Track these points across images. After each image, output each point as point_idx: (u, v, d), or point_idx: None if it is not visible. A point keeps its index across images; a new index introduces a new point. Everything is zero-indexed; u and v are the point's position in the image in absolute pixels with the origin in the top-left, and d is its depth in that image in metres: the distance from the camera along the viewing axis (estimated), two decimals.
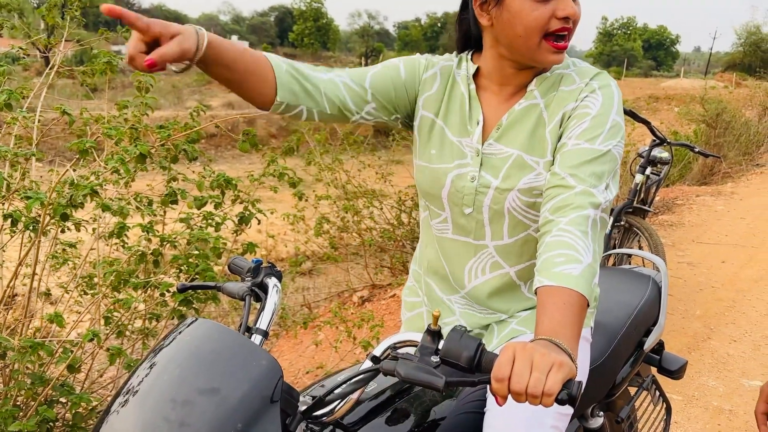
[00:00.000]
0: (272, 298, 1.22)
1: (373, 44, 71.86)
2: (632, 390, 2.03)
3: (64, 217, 2.01)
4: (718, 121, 10.52)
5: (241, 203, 2.66)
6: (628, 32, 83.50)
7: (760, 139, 11.38)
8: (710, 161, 9.46)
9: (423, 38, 79.19)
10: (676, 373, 2.07)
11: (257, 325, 1.18)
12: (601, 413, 1.78)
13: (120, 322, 2.35)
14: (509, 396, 0.94)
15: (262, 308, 1.21)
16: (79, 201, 1.90)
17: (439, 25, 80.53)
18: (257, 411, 0.95)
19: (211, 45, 1.14)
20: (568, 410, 1.38)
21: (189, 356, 1.01)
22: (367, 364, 1.09)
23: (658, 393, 2.15)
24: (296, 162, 4.87)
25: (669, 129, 11.14)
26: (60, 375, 2.06)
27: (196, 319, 1.09)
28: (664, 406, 2.20)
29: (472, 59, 1.43)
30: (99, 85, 3.00)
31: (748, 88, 17.71)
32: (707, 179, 9.64)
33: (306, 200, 4.42)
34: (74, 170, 2.22)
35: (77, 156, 2.24)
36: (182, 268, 2.37)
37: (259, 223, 2.72)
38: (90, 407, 2.23)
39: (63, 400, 2.12)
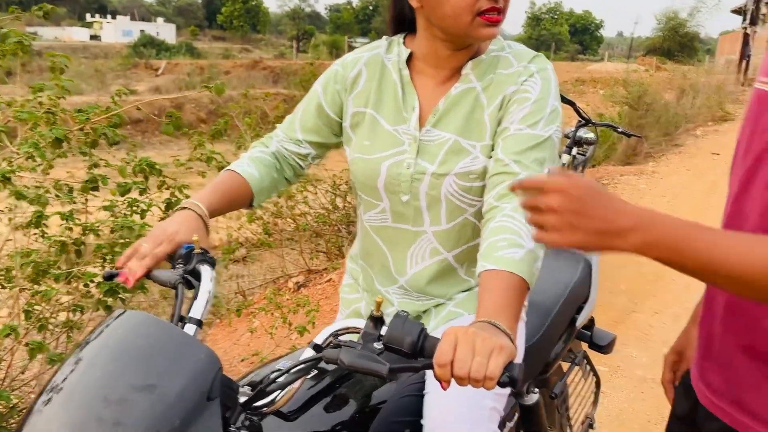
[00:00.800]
0: (206, 286, 1.16)
1: (304, 27, 70.84)
2: (565, 366, 2.09)
3: None
4: (640, 103, 10.94)
5: (167, 189, 2.58)
6: (555, 17, 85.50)
7: (678, 120, 11.88)
8: (633, 142, 9.81)
9: (355, 21, 78.76)
10: (605, 348, 2.14)
11: (190, 314, 1.12)
12: (536, 390, 1.82)
13: (41, 316, 2.25)
14: (452, 380, 0.95)
15: (195, 296, 1.15)
16: None
17: (370, 7, 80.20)
18: (196, 406, 0.91)
19: (211, 213, 1.32)
20: (506, 390, 1.41)
21: (120, 351, 0.95)
22: (309, 352, 1.07)
23: (588, 367, 2.22)
24: (226, 147, 4.76)
25: (595, 111, 11.50)
26: None
27: (125, 312, 1.03)
28: (594, 379, 2.28)
29: (404, 43, 1.41)
30: (13, 68, 2.84)
31: (667, 71, 18.50)
32: (630, 159, 10.02)
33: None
34: None
35: None
36: (107, 257, 2.28)
37: None
38: (11, 405, 2.13)
39: None
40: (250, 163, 1.44)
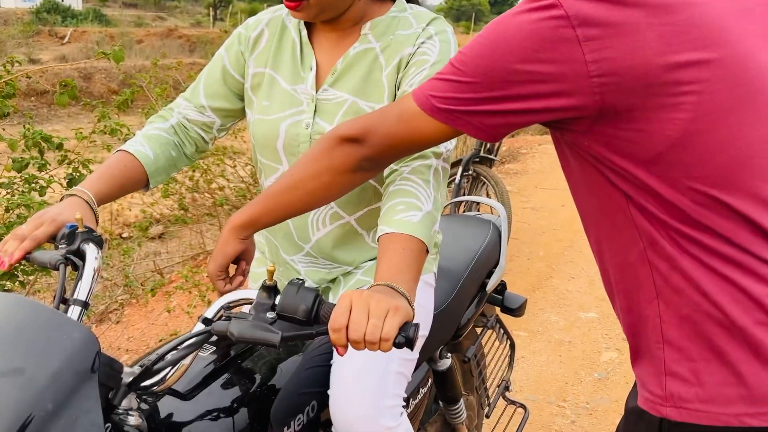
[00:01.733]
0: (90, 265, 1.10)
1: None
2: (478, 330, 2.12)
3: None
4: None
5: (69, 164, 2.42)
6: None
7: None
8: None
9: None
10: (517, 311, 2.18)
11: (75, 296, 1.06)
12: (449, 355, 1.84)
13: None
14: (349, 345, 0.94)
15: (80, 277, 1.09)
16: None
17: None
18: (71, 388, 0.86)
19: (100, 199, 1.26)
20: (413, 355, 1.41)
21: None
22: (199, 326, 1.02)
23: (502, 331, 2.26)
24: (137, 119, 4.54)
25: None
26: None
27: None
28: (509, 343, 2.33)
29: None
30: None
31: None
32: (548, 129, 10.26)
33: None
34: None
35: None
36: (1, 238, 2.12)
37: None
38: None
39: None
40: (143, 142, 1.38)
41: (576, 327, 3.60)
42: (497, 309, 2.18)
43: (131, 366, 1.09)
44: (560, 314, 3.75)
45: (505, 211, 2.23)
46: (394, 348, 0.93)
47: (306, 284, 0.98)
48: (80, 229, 1.14)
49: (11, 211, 2.14)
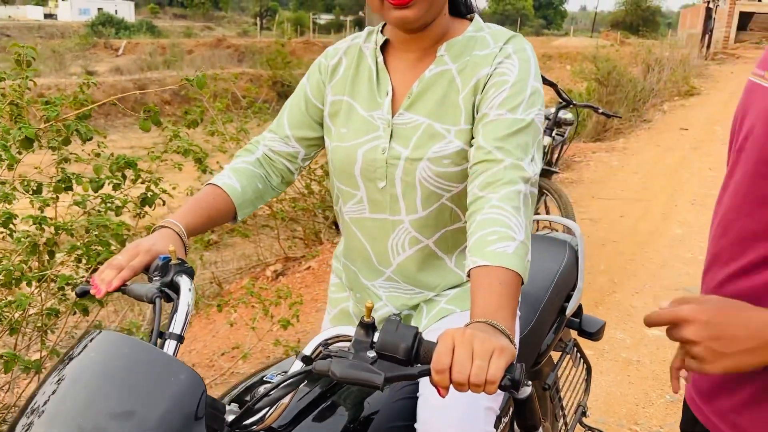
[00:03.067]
0: (185, 298, 1.10)
1: (267, 3, 69.59)
2: (556, 355, 2.06)
3: None
4: (609, 79, 10.97)
5: (142, 183, 2.46)
6: None
7: (645, 95, 11.97)
8: (603, 118, 9.86)
9: None
10: (595, 335, 2.12)
11: (171, 330, 1.06)
12: (529, 382, 1.80)
13: (12, 319, 2.14)
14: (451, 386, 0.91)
15: (175, 310, 1.09)
16: None
17: None
18: (179, 431, 0.86)
19: (189, 231, 1.29)
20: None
21: (95, 375, 0.89)
22: (298, 364, 1.02)
23: (579, 355, 2.20)
24: (196, 131, 4.61)
25: (564, 87, 11.50)
26: None
27: (100, 332, 0.97)
28: (585, 367, 2.26)
29: (382, 31, 1.39)
30: None
31: (632, 46, 18.61)
32: (601, 136, 10.07)
33: (210, 173, 4.20)
34: None
35: None
36: (82, 257, 2.17)
37: (164, 204, 2.53)
38: None
39: None
40: (231, 175, 1.40)
41: (643, 345, 3.49)
42: (574, 332, 2.13)
43: (222, 400, 1.09)
44: (626, 331, 3.65)
45: (579, 229, 2.17)
46: (498, 390, 0.89)
47: (403, 322, 0.96)
48: (173, 261, 1.15)
49: (90, 232, 2.18)
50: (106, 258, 2.12)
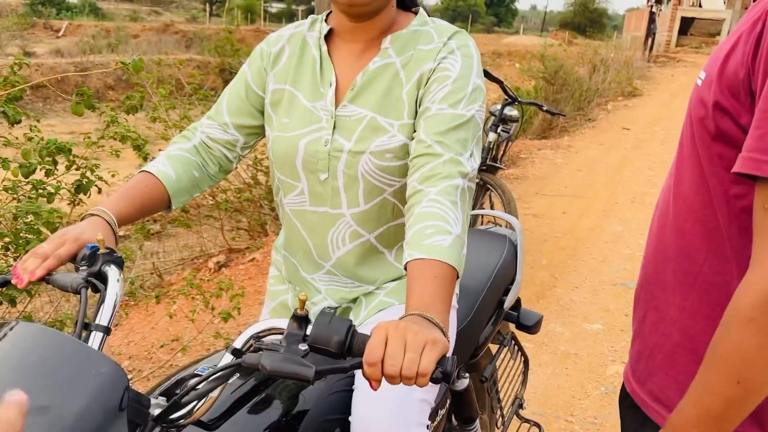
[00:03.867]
0: (113, 289, 1.06)
1: None
2: (494, 348, 2.09)
3: None
4: (556, 78, 11.17)
5: (77, 169, 2.37)
6: None
7: (590, 95, 12.24)
8: (549, 116, 10.04)
9: None
10: (533, 328, 2.16)
11: (97, 321, 1.02)
12: (466, 375, 1.81)
13: None
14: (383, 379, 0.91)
15: (102, 301, 1.05)
16: None
17: None
18: (99, 426, 0.83)
19: (120, 220, 1.24)
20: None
21: (9, 369, 0.85)
22: (228, 357, 0.99)
23: (516, 348, 2.24)
24: (139, 117, 4.48)
25: (512, 84, 11.65)
26: None
27: (17, 323, 0.92)
28: (522, 360, 2.30)
29: (326, 20, 1.38)
30: None
31: (579, 46, 19.01)
32: (546, 133, 10.26)
33: (151, 159, 4.08)
34: None
35: None
36: (10, 246, 2.07)
37: (99, 192, 2.45)
38: None
39: None
40: (166, 162, 1.37)
41: (581, 339, 3.58)
42: (512, 326, 2.16)
43: (151, 394, 1.06)
44: (565, 325, 3.73)
45: (519, 224, 2.20)
46: (430, 383, 0.89)
47: (339, 315, 0.96)
48: (102, 250, 1.11)
49: (19, 219, 2.09)
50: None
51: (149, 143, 3.25)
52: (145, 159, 3.09)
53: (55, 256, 1.12)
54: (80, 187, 2.29)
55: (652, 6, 21.28)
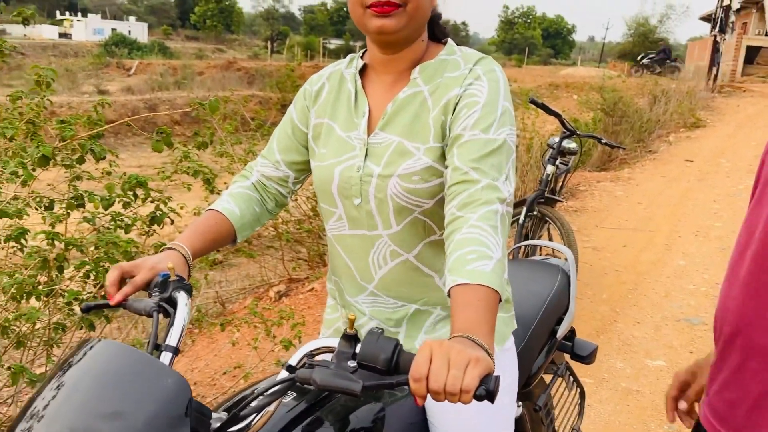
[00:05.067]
0: (181, 313, 1.16)
1: (278, 28, 70.45)
2: (548, 378, 2.08)
3: None
4: (615, 110, 11.04)
5: (152, 202, 2.51)
6: (528, 21, 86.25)
7: (651, 126, 12.03)
8: (608, 148, 9.91)
9: (329, 22, 78.58)
10: (587, 359, 2.14)
11: (167, 342, 1.12)
12: (520, 403, 1.82)
13: (20, 333, 2.18)
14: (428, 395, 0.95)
15: (172, 323, 1.15)
16: None
17: (345, 9, 79.90)
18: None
19: (194, 254, 1.36)
20: (508, 413, 1.40)
21: (90, 380, 0.95)
22: (283, 374, 1.07)
23: (572, 379, 2.22)
24: (206, 152, 4.68)
25: (570, 116, 11.58)
26: None
27: (99, 341, 1.02)
28: (578, 390, 2.28)
29: (363, 56, 1.45)
30: None
31: (638, 77, 18.74)
32: (606, 165, 10.11)
33: (218, 193, 4.25)
34: None
35: None
36: (90, 274, 2.21)
37: (172, 223, 2.58)
38: None
39: None
40: (230, 200, 1.48)
41: (643, 375, 3.50)
42: (567, 356, 2.15)
43: (216, 410, 1.13)
44: (626, 361, 3.65)
45: (572, 255, 2.20)
46: (474, 400, 0.93)
47: (384, 333, 1.01)
48: (172, 278, 1.21)
49: (99, 249, 2.23)
50: None
51: (216, 177, 3.40)
52: (213, 192, 3.23)
53: (131, 283, 1.24)
54: (154, 219, 2.42)
55: (716, 35, 20.83)
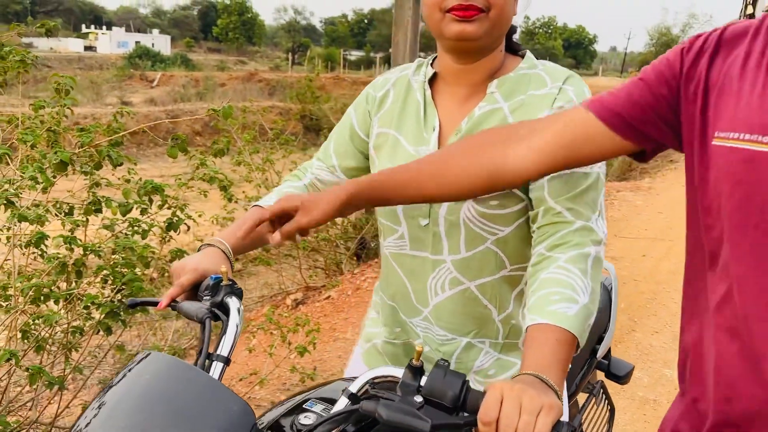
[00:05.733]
0: (234, 320, 1.10)
1: (299, 39, 71.22)
2: (582, 396, 2.03)
3: None
4: None
5: (168, 208, 2.55)
6: (549, 31, 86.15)
7: None
8: (629, 158, 9.84)
9: (350, 34, 79.16)
10: (623, 378, 2.05)
11: (218, 351, 1.06)
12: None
13: (39, 337, 2.22)
14: None
15: (224, 332, 1.09)
16: None
17: (365, 21, 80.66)
18: None
19: (235, 251, 1.28)
20: None
21: (149, 398, 0.91)
22: (344, 401, 1.01)
23: (604, 396, 2.15)
24: (224, 161, 4.74)
25: None
26: None
27: (149, 354, 0.98)
28: (609, 408, 2.22)
29: (432, 63, 1.35)
30: (9, 79, 2.82)
31: None
32: (626, 175, 10.05)
33: (236, 201, 4.30)
34: None
35: None
36: (108, 278, 2.25)
37: (188, 229, 2.62)
38: (8, 429, 2.09)
39: None
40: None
41: (661, 384, 3.46)
42: (600, 374, 2.09)
43: (259, 419, 1.07)
44: (644, 371, 3.62)
45: (614, 270, 2.10)
46: None
47: (452, 367, 0.96)
48: (224, 282, 1.15)
49: (117, 254, 2.27)
50: (131, 279, 2.20)
51: (234, 185, 3.45)
52: (230, 200, 3.27)
53: (177, 284, 1.18)
54: (171, 225, 2.46)
55: None
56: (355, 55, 64.79)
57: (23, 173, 1.92)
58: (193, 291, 1.20)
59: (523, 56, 1.30)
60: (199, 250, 1.29)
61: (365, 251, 5.57)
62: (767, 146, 0.84)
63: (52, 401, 2.58)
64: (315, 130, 14.56)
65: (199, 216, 3.18)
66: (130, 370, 0.97)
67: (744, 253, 0.88)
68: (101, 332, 2.30)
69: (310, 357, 3.38)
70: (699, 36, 0.98)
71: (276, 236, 1.16)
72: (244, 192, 4.96)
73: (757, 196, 0.85)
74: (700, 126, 0.94)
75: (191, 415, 0.89)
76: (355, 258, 5.61)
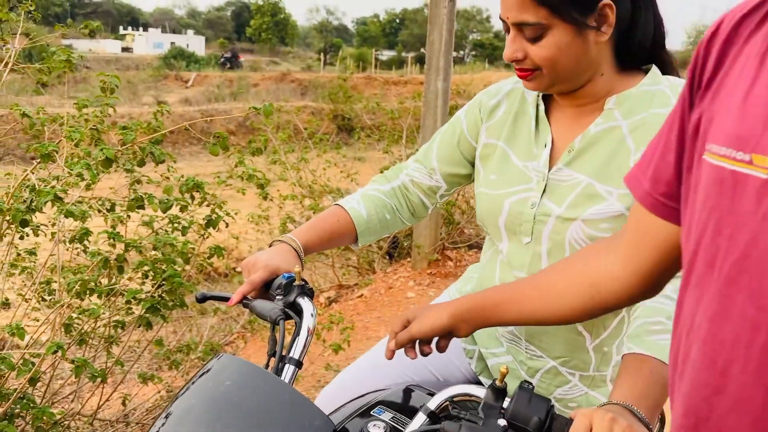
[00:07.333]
0: (307, 323, 1.09)
1: (331, 40, 71.67)
2: None
3: (24, 224, 1.92)
4: None
5: (207, 206, 2.59)
6: None
7: None
8: None
9: (382, 34, 79.32)
10: None
11: (291, 354, 1.05)
12: None
13: (82, 330, 2.27)
14: None
15: (297, 334, 1.08)
16: (41, 207, 1.82)
17: (397, 21, 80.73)
18: None
19: (307, 249, 1.29)
20: None
21: (230, 406, 0.91)
22: (421, 417, 0.99)
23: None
24: (259, 160, 4.80)
25: None
26: (20, 388, 1.97)
27: (222, 355, 0.99)
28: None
29: None
30: (50, 80, 2.89)
31: None
32: None
33: (271, 200, 4.36)
34: (33, 173, 2.13)
35: (34, 158, 2.15)
36: (148, 274, 2.30)
37: (227, 226, 2.66)
38: (52, 420, 2.14)
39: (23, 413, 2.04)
40: (360, 201, 1.39)
41: None
42: None
43: None
44: None
45: None
46: None
47: (535, 390, 0.93)
48: (297, 282, 1.15)
49: (157, 249, 2.31)
50: (172, 275, 2.24)
51: (269, 183, 3.49)
52: (266, 198, 3.32)
53: (249, 281, 1.18)
54: (210, 222, 2.50)
55: None
56: (386, 55, 64.87)
57: (71, 170, 1.97)
58: (263, 287, 1.19)
59: (646, 71, 1.22)
60: (270, 246, 1.28)
61: (397, 250, 5.58)
62: (741, 165, 0.61)
63: (94, 394, 2.64)
64: (347, 129, 14.63)
65: (236, 214, 3.22)
66: (206, 373, 0.97)
67: (710, 302, 0.66)
68: (141, 327, 2.35)
69: (345, 354, 3.40)
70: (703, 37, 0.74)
71: (391, 345, 1.13)
72: (278, 190, 5.02)
73: (725, 229, 0.63)
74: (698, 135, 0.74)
75: (273, 428, 0.88)
76: (387, 257, 5.63)
